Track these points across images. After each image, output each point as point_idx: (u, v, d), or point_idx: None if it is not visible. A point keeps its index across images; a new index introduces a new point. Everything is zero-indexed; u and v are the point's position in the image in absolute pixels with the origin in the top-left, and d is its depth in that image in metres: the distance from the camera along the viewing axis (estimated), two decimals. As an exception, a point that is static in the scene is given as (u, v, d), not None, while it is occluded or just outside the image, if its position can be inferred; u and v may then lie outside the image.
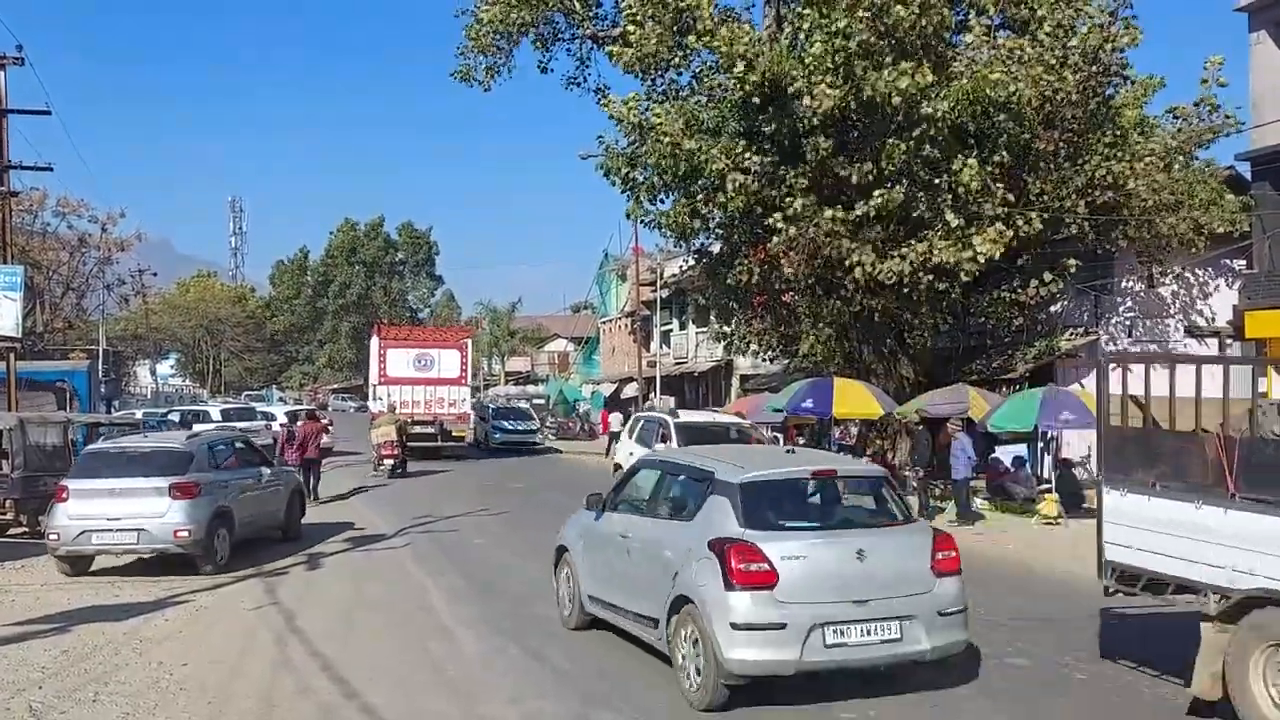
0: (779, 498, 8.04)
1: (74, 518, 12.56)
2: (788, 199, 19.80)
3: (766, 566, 7.21)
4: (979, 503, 18.60)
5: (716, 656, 7.22)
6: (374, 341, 33.73)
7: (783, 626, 7.15)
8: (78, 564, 12.96)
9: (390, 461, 26.10)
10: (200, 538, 12.60)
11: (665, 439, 18.04)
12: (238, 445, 15.31)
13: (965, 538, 16.31)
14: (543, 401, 52.05)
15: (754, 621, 7.17)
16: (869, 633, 7.33)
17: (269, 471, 15.26)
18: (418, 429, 30.17)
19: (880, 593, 7.37)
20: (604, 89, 25.06)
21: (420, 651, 9.17)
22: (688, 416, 19.95)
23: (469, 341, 35.36)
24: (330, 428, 28.56)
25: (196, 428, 24.75)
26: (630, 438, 20.11)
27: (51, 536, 12.72)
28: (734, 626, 7.16)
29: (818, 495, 8.49)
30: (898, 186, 19.40)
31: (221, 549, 13.05)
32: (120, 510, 12.49)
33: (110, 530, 12.51)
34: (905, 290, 20.49)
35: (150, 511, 12.50)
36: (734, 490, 7.66)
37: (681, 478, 8.70)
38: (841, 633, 7.25)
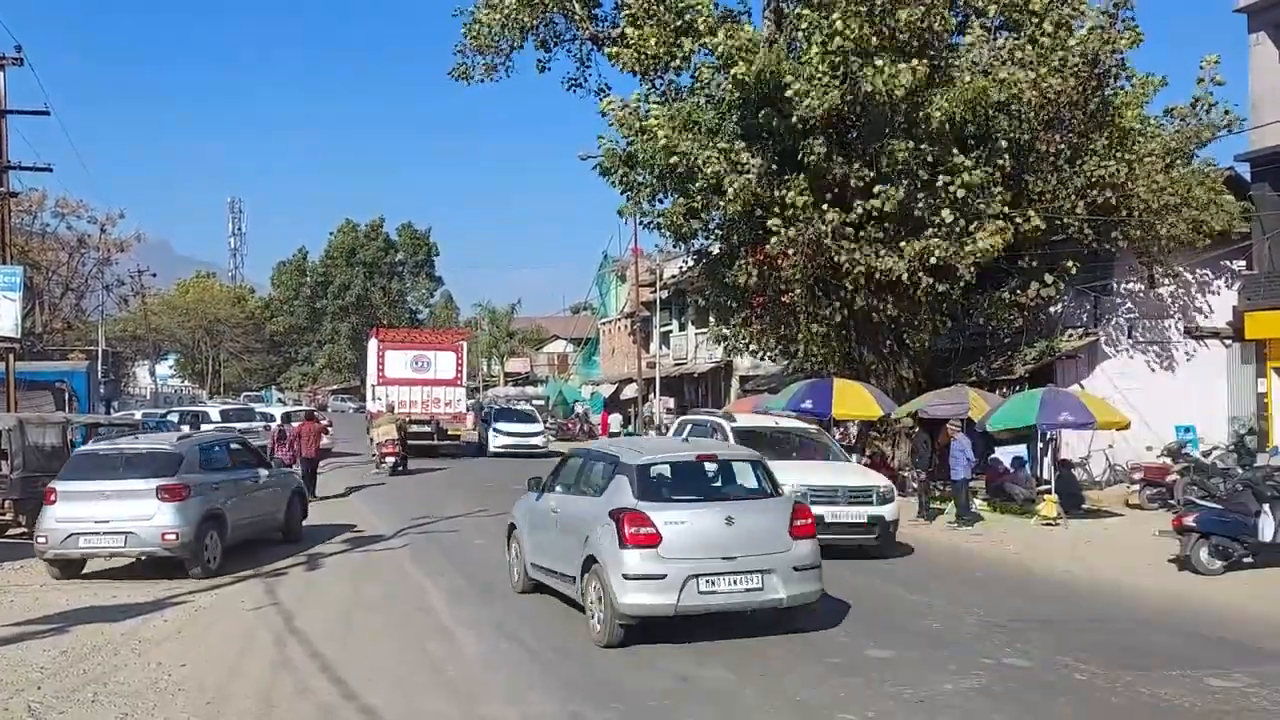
0: (668, 476, 9.88)
1: (61, 520, 12.32)
2: (788, 199, 19.81)
3: (652, 530, 8.93)
4: (978, 503, 18.60)
5: (613, 602, 8.90)
6: (372, 344, 34.81)
7: (664, 577, 8.84)
8: (67, 568, 12.72)
9: (392, 459, 26.85)
10: (188, 541, 12.34)
11: None
12: (233, 446, 15.06)
13: (964, 539, 16.37)
14: (542, 402, 52.00)
15: (641, 573, 8.85)
16: (735, 583, 9.02)
17: (266, 473, 15.01)
18: (415, 428, 30.99)
19: (745, 551, 9.05)
20: (604, 90, 25.11)
21: (420, 652, 9.16)
22: (747, 420, 17.18)
23: (464, 344, 36.30)
24: (329, 428, 29.17)
25: (194, 428, 24.91)
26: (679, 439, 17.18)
27: (40, 540, 12.52)
28: (625, 577, 8.86)
29: (701, 474, 10.32)
30: (897, 186, 19.40)
31: (212, 552, 12.78)
32: (108, 513, 12.25)
33: (98, 533, 12.27)
34: (905, 290, 20.49)
35: (138, 514, 12.24)
36: (632, 471, 9.43)
37: (599, 463, 10.34)
38: (712, 583, 8.95)
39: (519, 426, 35.79)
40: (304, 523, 16.04)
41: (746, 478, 10.35)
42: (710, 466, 10.40)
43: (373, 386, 33.95)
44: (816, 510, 12.28)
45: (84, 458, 13.51)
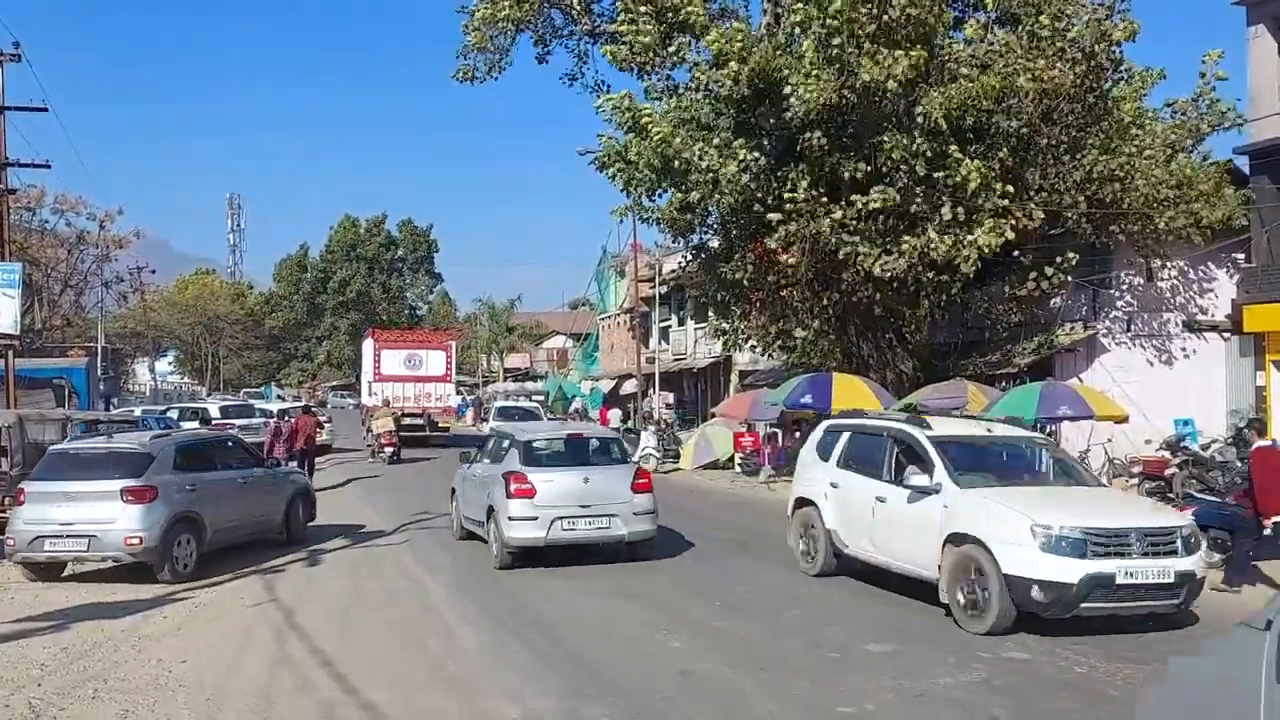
0: (545, 448, 13.63)
1: (29, 522, 11.88)
2: (788, 193, 19.78)
3: (529, 485, 12.51)
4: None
5: (502, 536, 12.62)
6: (368, 343, 37.23)
7: (536, 519, 12.41)
8: (41, 571, 12.34)
9: (390, 449, 29.03)
10: (153, 545, 11.78)
11: (906, 465, 10.85)
12: (224, 445, 14.65)
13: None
14: (542, 398, 52.09)
15: (521, 516, 12.45)
16: (590, 524, 12.64)
17: (260, 472, 14.50)
18: (408, 421, 33.18)
19: (597, 501, 12.65)
20: (601, 85, 25.08)
21: (419, 648, 9.18)
22: (947, 428, 11.50)
23: (453, 343, 39.09)
24: (326, 424, 30.28)
25: (188, 425, 24.93)
26: (827, 460, 12.31)
27: (9, 542, 12.15)
28: (510, 519, 12.51)
29: (570, 447, 13.88)
30: (896, 183, 19.37)
31: (184, 557, 12.20)
32: (72, 515, 11.78)
33: (62, 536, 11.80)
34: (904, 284, 20.48)
35: (101, 517, 11.76)
36: (520, 444, 13.25)
37: (504, 440, 13.95)
38: (572, 523, 12.56)
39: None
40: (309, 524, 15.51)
41: (607, 450, 13.80)
42: (578, 442, 13.98)
43: (369, 383, 36.03)
44: (1105, 568, 9.04)
45: (56, 457, 12.83)
